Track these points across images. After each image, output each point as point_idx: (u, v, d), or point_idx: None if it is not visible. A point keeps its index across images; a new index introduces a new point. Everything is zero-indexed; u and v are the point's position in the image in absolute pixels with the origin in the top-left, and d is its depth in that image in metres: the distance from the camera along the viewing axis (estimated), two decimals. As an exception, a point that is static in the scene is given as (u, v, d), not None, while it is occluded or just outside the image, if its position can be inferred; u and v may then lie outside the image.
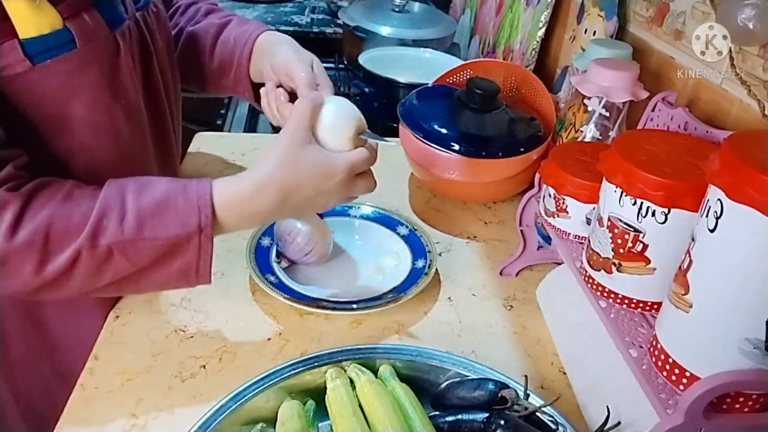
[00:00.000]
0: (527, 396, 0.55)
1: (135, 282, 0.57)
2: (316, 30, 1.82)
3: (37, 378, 0.73)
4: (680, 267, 0.45)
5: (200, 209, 0.55)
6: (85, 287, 0.55)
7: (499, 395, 0.54)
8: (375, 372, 0.59)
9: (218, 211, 0.56)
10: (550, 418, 0.53)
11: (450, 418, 0.55)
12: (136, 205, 0.54)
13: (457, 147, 0.84)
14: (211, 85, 0.84)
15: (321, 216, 0.79)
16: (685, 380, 0.45)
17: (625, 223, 0.52)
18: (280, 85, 0.73)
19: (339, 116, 0.62)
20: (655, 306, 0.54)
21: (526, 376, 0.56)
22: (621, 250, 0.53)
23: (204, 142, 1.08)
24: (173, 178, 0.58)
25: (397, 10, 1.48)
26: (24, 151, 0.55)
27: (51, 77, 0.55)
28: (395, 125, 0.94)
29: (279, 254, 0.78)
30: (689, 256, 0.43)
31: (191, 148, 1.06)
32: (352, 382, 0.58)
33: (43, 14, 0.53)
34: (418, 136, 0.87)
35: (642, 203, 0.50)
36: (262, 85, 0.76)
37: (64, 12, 0.54)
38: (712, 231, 0.41)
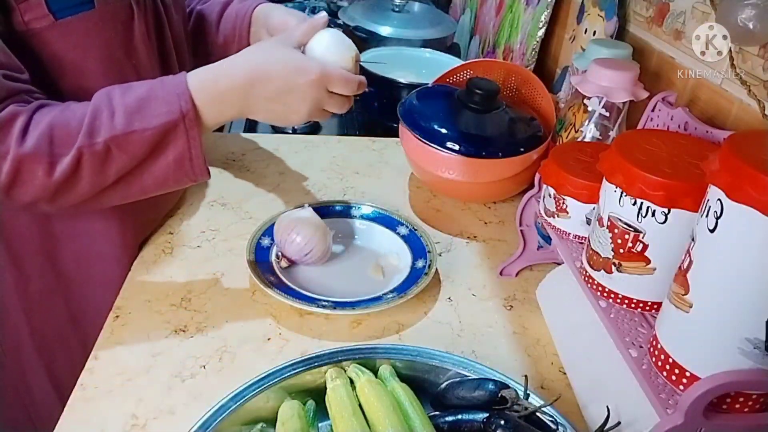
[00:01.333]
0: (527, 396, 0.55)
1: (139, 178, 0.62)
2: (316, 30, 1.82)
3: (52, 316, 0.78)
4: (680, 267, 0.45)
5: (179, 96, 0.60)
6: (94, 186, 0.60)
7: (499, 395, 0.54)
8: (375, 372, 0.59)
9: (194, 93, 0.61)
10: (550, 418, 0.53)
11: (450, 418, 0.55)
12: (122, 102, 0.59)
13: (457, 147, 0.84)
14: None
15: (320, 216, 0.80)
16: (685, 380, 0.45)
17: (625, 223, 0.52)
18: None
19: (334, 41, 0.68)
20: (655, 306, 0.54)
21: (526, 376, 0.56)
22: (621, 250, 0.53)
23: (204, 142, 1.08)
24: (150, 80, 0.63)
25: (397, 10, 1.49)
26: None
27: (71, 33, 0.61)
28: (395, 125, 0.94)
29: (279, 254, 0.78)
30: (689, 256, 0.43)
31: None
32: (352, 382, 0.58)
33: None
34: (418, 136, 0.87)
35: (642, 203, 0.50)
36: None
37: None
38: (712, 231, 0.41)
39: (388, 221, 0.86)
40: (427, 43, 1.40)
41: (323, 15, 0.70)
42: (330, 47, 0.68)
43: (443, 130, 0.86)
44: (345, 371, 0.59)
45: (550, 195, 0.67)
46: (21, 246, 0.72)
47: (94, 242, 0.74)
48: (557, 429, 0.53)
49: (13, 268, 0.74)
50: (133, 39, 0.67)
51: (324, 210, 0.85)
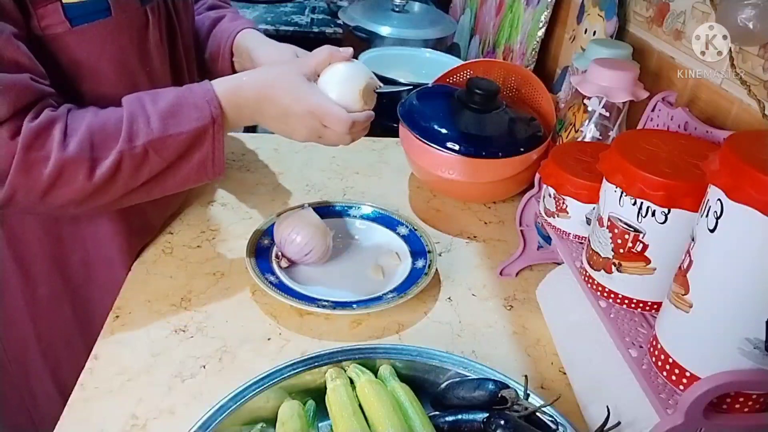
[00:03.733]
0: (527, 396, 0.55)
1: (165, 179, 0.64)
2: (316, 30, 1.82)
3: (58, 321, 0.78)
4: (680, 267, 0.45)
5: (209, 103, 0.63)
6: (126, 188, 0.62)
7: (499, 395, 0.54)
8: (375, 372, 0.59)
9: (222, 102, 0.64)
10: (550, 418, 0.53)
11: (450, 418, 0.55)
12: (155, 109, 0.61)
13: (457, 147, 0.84)
14: (207, 75, 0.88)
15: (320, 216, 0.80)
16: (685, 380, 0.45)
17: (625, 223, 0.52)
18: None
19: (344, 76, 0.69)
20: (655, 306, 0.54)
21: (526, 376, 0.56)
22: (621, 250, 0.53)
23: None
24: (174, 87, 0.65)
25: (397, 10, 1.48)
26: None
27: (86, 40, 0.62)
28: (395, 125, 0.94)
29: (279, 254, 0.78)
30: (689, 256, 0.43)
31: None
32: (352, 382, 0.58)
33: None
34: (418, 136, 0.87)
35: (642, 203, 0.50)
36: None
37: None
38: (712, 231, 0.41)
39: (388, 221, 0.86)
40: (427, 43, 1.40)
41: (347, 50, 0.71)
42: (338, 82, 0.68)
43: (443, 130, 0.86)
44: (345, 371, 0.59)
45: (550, 195, 0.67)
46: (28, 251, 0.73)
47: (101, 247, 0.75)
48: (557, 429, 0.53)
49: (19, 273, 0.74)
50: (147, 46, 0.69)
51: (324, 210, 0.85)
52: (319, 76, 0.69)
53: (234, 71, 0.86)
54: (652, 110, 0.70)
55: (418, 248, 0.81)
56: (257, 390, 0.55)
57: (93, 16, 0.61)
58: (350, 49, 0.71)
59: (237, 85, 0.67)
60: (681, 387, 0.45)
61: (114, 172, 0.60)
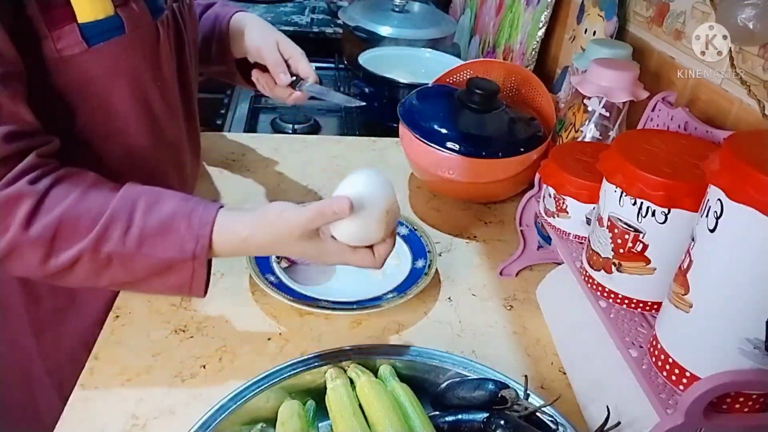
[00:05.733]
0: (527, 396, 0.55)
1: (133, 288, 0.61)
2: (316, 30, 1.82)
3: (63, 336, 0.76)
4: (680, 267, 0.45)
5: (198, 239, 0.57)
6: (84, 283, 0.58)
7: (499, 395, 0.54)
8: (375, 372, 0.59)
9: (215, 244, 0.58)
10: (550, 418, 0.53)
11: (450, 418, 0.55)
12: (142, 221, 0.56)
13: (457, 147, 0.84)
14: (201, 63, 0.88)
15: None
16: (685, 380, 0.45)
17: (625, 223, 0.52)
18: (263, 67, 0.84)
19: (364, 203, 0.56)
20: (655, 306, 0.54)
21: (526, 376, 0.56)
22: (621, 250, 0.53)
23: (204, 142, 1.08)
24: (186, 196, 0.60)
25: (397, 10, 1.48)
26: (55, 137, 0.59)
27: (101, 59, 0.61)
28: (395, 125, 0.94)
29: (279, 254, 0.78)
30: (689, 256, 0.43)
31: (191, 148, 1.06)
32: (352, 382, 0.58)
33: (99, 1, 0.58)
34: (418, 136, 0.87)
35: (642, 203, 0.50)
36: (245, 60, 0.86)
37: (116, 0, 0.60)
38: (712, 231, 0.41)
39: (388, 221, 0.86)
40: (427, 43, 1.40)
41: (341, 207, 0.55)
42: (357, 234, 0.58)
43: (443, 130, 0.86)
44: (345, 371, 0.59)
45: (550, 195, 0.67)
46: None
47: None
48: (557, 429, 0.53)
49: (22, 291, 0.72)
50: (159, 60, 0.68)
51: (324, 210, 0.85)
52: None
53: (229, 54, 0.86)
54: (652, 110, 0.70)
55: (418, 248, 0.81)
56: (257, 390, 0.55)
57: (108, 34, 0.60)
58: (345, 205, 0.55)
59: (240, 239, 0.58)
60: (681, 387, 0.45)
61: (70, 267, 0.55)
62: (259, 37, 0.83)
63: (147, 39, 0.65)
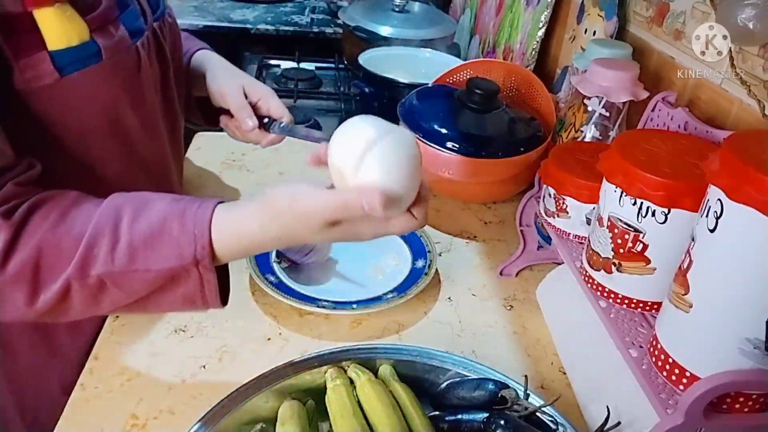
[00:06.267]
0: (527, 396, 0.55)
1: (140, 307, 0.53)
2: (316, 30, 1.82)
3: (44, 392, 0.70)
4: (680, 267, 0.45)
5: (196, 240, 0.49)
6: (85, 313, 0.53)
7: (499, 395, 0.54)
8: (375, 372, 0.59)
9: (216, 244, 0.50)
10: (550, 418, 0.53)
11: (450, 418, 0.55)
12: (129, 231, 0.50)
13: (457, 147, 0.84)
14: None
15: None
16: (685, 380, 0.45)
17: (625, 223, 0.52)
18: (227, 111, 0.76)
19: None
20: (655, 306, 0.54)
21: (526, 376, 0.56)
22: (621, 250, 0.53)
23: (204, 142, 1.08)
24: (177, 197, 0.53)
25: (397, 10, 1.48)
26: (36, 161, 0.54)
27: (77, 89, 0.54)
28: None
29: (279, 254, 0.78)
30: (689, 256, 0.43)
31: (191, 148, 1.06)
32: (352, 382, 0.58)
33: (72, 26, 0.52)
34: (418, 136, 0.87)
35: (642, 203, 0.50)
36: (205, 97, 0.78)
37: (92, 24, 0.54)
38: (712, 231, 0.41)
39: (388, 221, 0.86)
40: (427, 43, 1.39)
41: (375, 201, 0.45)
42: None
43: (443, 130, 0.86)
44: (345, 371, 0.58)
45: (550, 195, 0.67)
46: (9, 324, 0.65)
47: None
48: (557, 429, 0.53)
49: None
50: (140, 86, 0.62)
51: (324, 210, 0.84)
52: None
53: (188, 92, 0.79)
54: (652, 110, 0.70)
55: (418, 248, 0.81)
56: (257, 390, 0.55)
57: (83, 62, 0.54)
58: (376, 201, 0.45)
59: (244, 219, 0.51)
60: (681, 387, 0.45)
61: (62, 299, 0.49)
62: (223, 81, 0.76)
63: (127, 65, 0.59)
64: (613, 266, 0.54)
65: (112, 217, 0.50)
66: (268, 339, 0.68)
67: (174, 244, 0.50)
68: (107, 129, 0.59)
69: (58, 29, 0.51)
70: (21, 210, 0.49)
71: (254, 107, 0.75)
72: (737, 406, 0.44)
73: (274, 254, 0.78)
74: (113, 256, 0.49)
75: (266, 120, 0.76)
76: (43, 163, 0.54)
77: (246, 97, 0.75)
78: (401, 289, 0.74)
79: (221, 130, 0.81)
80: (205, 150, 1.06)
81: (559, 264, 0.78)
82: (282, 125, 0.76)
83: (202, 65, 0.78)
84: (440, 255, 0.83)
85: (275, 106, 0.76)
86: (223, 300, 0.54)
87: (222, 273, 0.53)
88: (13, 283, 0.48)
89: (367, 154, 0.45)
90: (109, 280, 0.49)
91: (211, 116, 0.81)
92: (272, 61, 1.60)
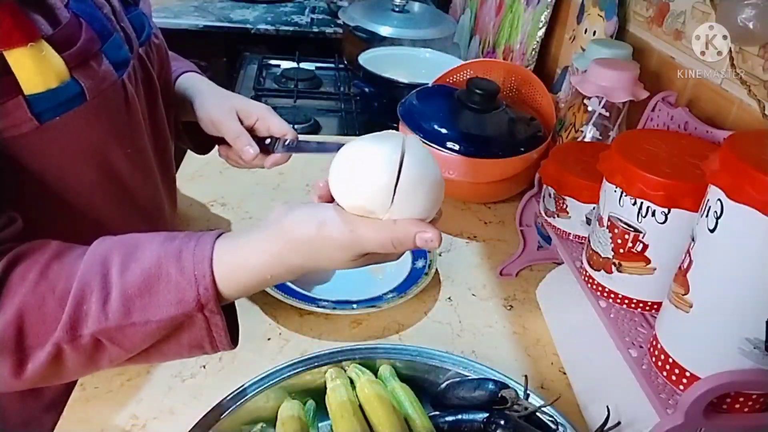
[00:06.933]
0: (527, 396, 0.55)
1: (143, 359, 0.48)
2: (316, 30, 1.82)
3: (27, 411, 0.65)
4: (680, 267, 0.45)
5: (197, 281, 0.44)
6: (83, 373, 0.49)
7: (499, 395, 0.54)
8: (375, 372, 0.59)
9: (221, 283, 0.45)
10: (550, 418, 0.53)
11: (450, 418, 0.55)
12: (121, 281, 0.44)
13: (457, 147, 0.84)
14: None
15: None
16: (685, 380, 0.45)
17: (625, 223, 0.52)
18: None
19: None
20: (655, 306, 0.54)
21: (526, 376, 0.56)
22: (621, 250, 0.53)
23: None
24: (170, 234, 0.48)
25: (397, 10, 1.48)
26: (17, 216, 0.48)
27: (60, 136, 0.49)
28: (395, 125, 0.94)
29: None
30: (689, 256, 0.43)
31: (189, 152, 1.06)
32: (352, 382, 0.58)
33: (49, 65, 0.47)
34: (418, 136, 0.87)
35: (642, 203, 0.50)
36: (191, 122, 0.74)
37: (71, 61, 0.48)
38: (712, 231, 0.41)
39: (388, 221, 0.86)
40: (427, 43, 1.40)
41: (435, 240, 0.46)
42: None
43: (443, 130, 0.86)
44: (345, 371, 0.59)
45: (550, 195, 0.67)
46: None
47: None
48: (557, 429, 0.53)
49: None
50: (129, 123, 0.57)
51: (324, 210, 0.84)
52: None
53: (174, 120, 0.74)
54: (652, 110, 0.70)
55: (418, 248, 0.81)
56: (257, 390, 0.55)
57: (65, 106, 0.48)
58: (436, 239, 0.46)
59: (246, 255, 0.46)
60: (681, 387, 0.45)
61: (54, 366, 0.44)
62: (213, 108, 0.70)
63: (113, 103, 0.54)
64: (613, 266, 0.54)
65: (99, 267, 0.45)
66: (268, 339, 0.68)
67: (173, 290, 0.44)
68: (94, 173, 0.54)
69: (34, 71, 0.46)
70: None
71: (252, 130, 0.70)
72: (737, 406, 0.44)
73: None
74: (106, 311, 0.43)
75: (268, 141, 0.71)
76: (27, 214, 0.49)
77: (241, 121, 0.70)
78: (401, 289, 0.74)
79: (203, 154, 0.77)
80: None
81: (559, 264, 0.78)
82: (286, 143, 0.70)
83: (189, 91, 0.73)
84: (440, 255, 0.83)
85: (276, 125, 0.70)
86: (234, 340, 0.49)
87: (229, 310, 0.49)
88: None
89: (393, 184, 0.42)
90: (105, 337, 0.44)
91: (202, 142, 0.77)
92: (272, 61, 1.60)
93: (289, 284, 0.74)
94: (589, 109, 0.77)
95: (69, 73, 0.48)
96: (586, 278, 0.58)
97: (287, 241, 0.46)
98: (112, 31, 0.55)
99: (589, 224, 0.62)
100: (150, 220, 0.64)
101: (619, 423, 0.53)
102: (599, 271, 0.56)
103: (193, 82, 0.74)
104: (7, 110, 0.45)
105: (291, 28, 1.81)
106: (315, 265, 0.47)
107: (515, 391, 0.54)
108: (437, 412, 0.57)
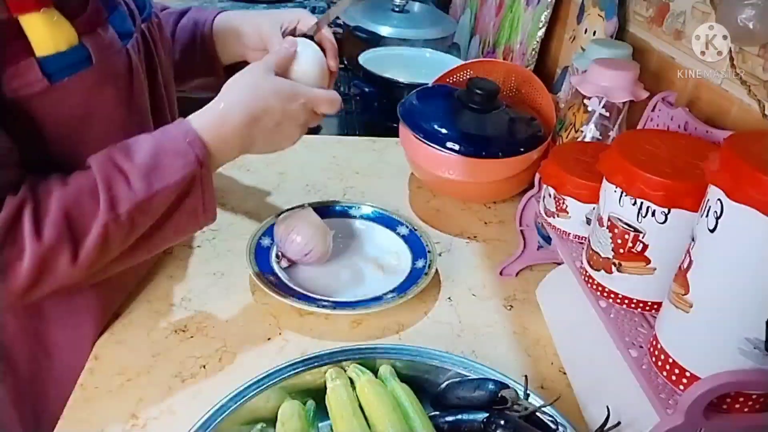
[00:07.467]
0: (527, 396, 0.55)
1: (149, 238, 0.57)
2: (316, 30, 1.82)
3: (45, 405, 0.67)
4: (680, 267, 0.45)
5: (191, 145, 0.56)
6: (120, 250, 0.56)
7: (499, 395, 0.54)
8: (375, 372, 0.59)
9: (205, 138, 0.58)
10: (550, 418, 0.53)
11: (450, 418, 0.55)
12: (133, 165, 0.54)
13: (457, 147, 0.84)
14: (181, 76, 0.80)
15: (320, 216, 0.79)
16: (685, 380, 0.45)
17: (625, 223, 0.52)
18: None
19: (313, 61, 0.69)
20: (655, 306, 0.54)
21: (526, 376, 0.56)
22: (621, 250, 0.53)
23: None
24: (147, 133, 0.58)
25: (397, 10, 1.49)
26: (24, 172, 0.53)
27: (69, 96, 0.54)
28: (395, 125, 0.94)
29: (279, 254, 0.78)
30: (689, 256, 0.43)
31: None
32: (352, 382, 0.58)
33: (60, 31, 0.51)
34: (418, 136, 0.87)
35: (642, 203, 0.50)
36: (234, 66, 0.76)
37: (80, 28, 0.53)
38: (712, 231, 0.41)
39: (388, 221, 0.86)
40: (427, 43, 1.40)
41: (293, 41, 0.68)
42: (311, 67, 0.68)
43: (443, 130, 0.86)
44: (345, 371, 0.59)
45: (550, 195, 0.67)
46: (7, 339, 0.63)
47: (81, 322, 0.66)
48: (557, 429, 0.53)
49: (1, 363, 0.64)
50: (133, 92, 0.62)
51: (324, 210, 0.85)
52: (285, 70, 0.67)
53: (217, 62, 0.79)
54: (652, 110, 0.70)
55: (418, 248, 0.81)
56: (257, 390, 0.55)
57: (73, 68, 0.53)
58: (291, 40, 0.68)
59: (218, 119, 0.59)
60: (681, 387, 0.45)
61: (102, 246, 0.53)
62: (262, 24, 0.75)
63: (118, 68, 0.59)
64: (613, 266, 0.54)
65: (108, 163, 0.54)
66: (268, 339, 0.68)
67: (176, 156, 0.55)
68: (101, 134, 0.58)
69: (46, 35, 0.50)
70: (24, 187, 0.51)
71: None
72: (737, 406, 0.44)
73: (274, 254, 0.78)
74: (132, 188, 0.53)
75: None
76: (38, 171, 0.54)
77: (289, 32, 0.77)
78: (401, 289, 0.74)
79: None
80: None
81: (559, 264, 0.78)
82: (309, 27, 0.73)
83: (230, 26, 0.78)
84: (440, 255, 0.83)
85: (304, 21, 0.75)
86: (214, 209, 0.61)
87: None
88: (54, 248, 0.50)
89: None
90: (138, 209, 0.54)
91: None
92: (272, 61, 1.59)
93: (290, 284, 0.74)
94: (589, 109, 0.77)
95: (77, 38, 0.53)
96: (586, 278, 0.58)
97: (228, 88, 0.61)
98: (117, 5, 0.60)
99: (589, 224, 0.62)
100: None
101: (619, 423, 0.53)
102: (599, 271, 0.56)
103: (231, 17, 0.79)
104: (21, 70, 0.50)
105: (291, 28, 1.80)
106: (253, 95, 0.60)
107: (515, 391, 0.54)
108: (437, 412, 0.56)
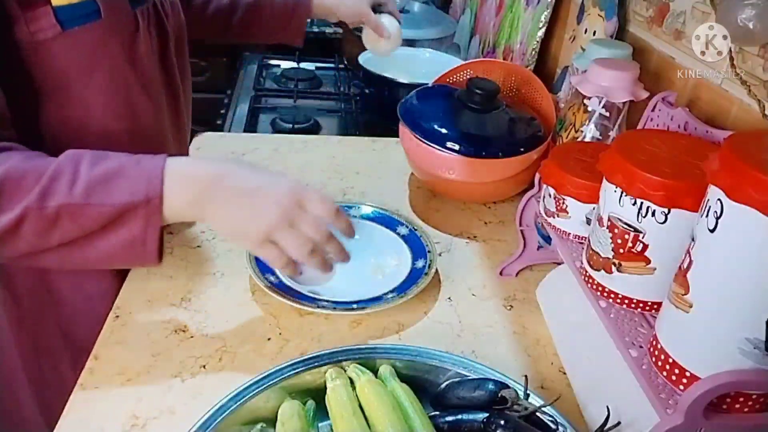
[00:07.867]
0: (527, 396, 0.55)
1: (80, 249, 0.55)
2: (316, 30, 1.82)
3: (43, 335, 0.75)
4: (680, 267, 0.45)
5: (149, 181, 0.54)
6: (32, 247, 0.54)
7: (499, 395, 0.54)
8: (375, 372, 0.59)
9: (168, 187, 0.55)
10: (550, 418, 0.53)
11: (450, 418, 0.55)
12: (88, 172, 0.54)
13: (457, 147, 0.84)
14: (271, 34, 1.04)
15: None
16: (685, 380, 0.45)
17: (625, 223, 0.52)
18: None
19: (395, 28, 1.08)
20: (655, 306, 0.54)
21: (526, 376, 0.56)
22: (621, 250, 0.53)
23: (204, 142, 1.08)
24: (128, 154, 0.57)
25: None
26: (14, 131, 0.58)
27: (77, 44, 0.60)
28: (395, 125, 0.94)
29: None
30: (689, 256, 0.43)
31: (191, 148, 1.06)
32: (352, 382, 0.58)
33: None
34: (418, 136, 0.87)
35: (642, 203, 0.50)
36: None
37: None
38: (712, 231, 0.41)
39: (388, 221, 0.86)
40: (427, 43, 1.40)
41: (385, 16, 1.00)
42: (397, 31, 1.06)
43: (443, 130, 0.86)
44: (345, 371, 0.59)
45: (550, 195, 0.67)
46: (9, 265, 0.70)
47: None
48: (557, 429, 0.53)
49: (3, 289, 0.71)
50: (137, 52, 0.67)
51: (324, 210, 0.84)
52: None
53: (305, 19, 1.02)
54: (652, 110, 0.70)
55: (418, 248, 0.81)
56: (257, 390, 0.55)
57: (83, 19, 0.60)
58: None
59: (191, 162, 0.58)
60: (681, 387, 0.45)
61: (15, 228, 0.52)
62: (356, 4, 1.02)
63: (125, 27, 0.65)
64: (613, 266, 0.54)
65: (72, 161, 0.54)
66: (268, 339, 0.68)
67: (128, 183, 0.54)
68: (107, 89, 0.64)
69: None
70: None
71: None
72: (737, 406, 0.44)
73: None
74: (72, 190, 0.53)
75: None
76: (43, 121, 0.61)
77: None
78: (401, 289, 0.74)
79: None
80: (205, 150, 1.06)
81: (559, 264, 0.78)
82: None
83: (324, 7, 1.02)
84: (440, 255, 0.83)
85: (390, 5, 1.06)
86: (160, 256, 0.57)
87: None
88: None
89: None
90: (65, 212, 0.52)
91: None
92: (272, 61, 1.60)
93: (290, 284, 0.74)
94: (589, 109, 0.77)
95: None
96: (586, 278, 0.58)
97: (233, 161, 0.63)
98: None
99: (589, 224, 0.62)
100: (155, 148, 0.67)
101: (619, 423, 0.53)
102: (599, 271, 0.56)
103: None
104: (37, 16, 0.57)
105: (291, 28, 1.80)
106: (261, 180, 0.58)
107: (515, 391, 0.54)
108: (437, 412, 0.56)
